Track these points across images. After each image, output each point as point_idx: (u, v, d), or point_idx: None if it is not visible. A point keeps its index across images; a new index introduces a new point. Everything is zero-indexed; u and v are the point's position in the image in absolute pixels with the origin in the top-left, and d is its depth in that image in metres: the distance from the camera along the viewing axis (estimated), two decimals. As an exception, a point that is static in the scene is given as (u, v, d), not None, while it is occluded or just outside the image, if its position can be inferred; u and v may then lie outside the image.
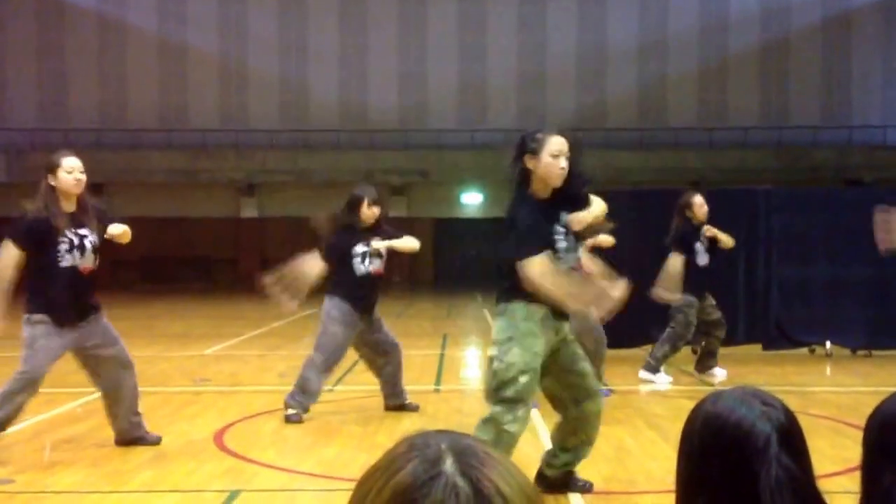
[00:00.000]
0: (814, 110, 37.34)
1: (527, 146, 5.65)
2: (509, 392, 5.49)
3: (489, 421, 5.56)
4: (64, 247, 6.89)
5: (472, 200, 37.06)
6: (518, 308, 5.53)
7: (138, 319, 20.92)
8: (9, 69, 37.63)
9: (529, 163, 5.64)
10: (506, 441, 5.52)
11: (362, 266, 8.62)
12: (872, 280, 13.20)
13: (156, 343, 15.37)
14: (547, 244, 5.56)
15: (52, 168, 6.89)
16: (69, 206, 6.98)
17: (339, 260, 8.62)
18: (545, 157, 5.61)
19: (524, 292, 5.50)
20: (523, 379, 5.50)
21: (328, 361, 8.55)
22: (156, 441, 7.43)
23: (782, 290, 13.20)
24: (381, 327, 8.90)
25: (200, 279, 36.12)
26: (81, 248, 6.97)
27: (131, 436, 7.39)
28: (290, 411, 8.44)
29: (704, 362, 11.27)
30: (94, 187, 36.21)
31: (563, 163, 5.65)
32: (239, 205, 37.41)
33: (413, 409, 8.99)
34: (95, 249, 7.09)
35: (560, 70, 37.80)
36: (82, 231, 6.98)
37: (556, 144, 5.64)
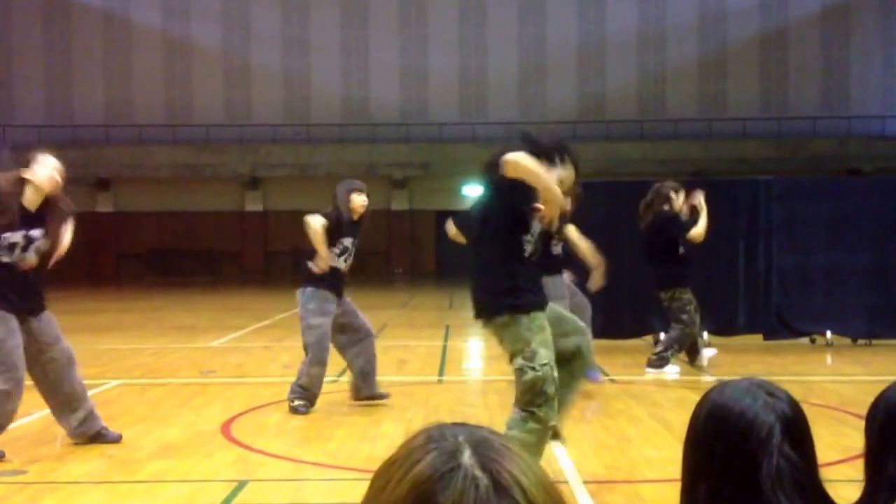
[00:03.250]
0: (813, 100, 37.36)
1: (561, 155, 5.81)
2: (550, 389, 5.54)
3: (533, 421, 5.55)
4: (3, 244, 6.69)
5: (473, 193, 37.10)
6: (527, 320, 5.57)
7: (145, 312, 21.03)
8: (16, 67, 37.74)
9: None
10: (548, 434, 5.67)
11: (339, 260, 8.55)
12: (872, 269, 13.26)
13: (163, 335, 15.46)
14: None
15: (30, 162, 6.77)
16: (32, 204, 6.80)
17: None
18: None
19: (521, 303, 5.58)
20: (554, 373, 5.59)
21: (320, 354, 8.49)
22: (116, 439, 7.24)
23: (783, 279, 13.25)
24: (356, 313, 8.77)
25: (205, 272, 36.24)
26: (24, 248, 6.75)
27: (90, 432, 7.14)
28: (297, 402, 8.47)
29: (691, 352, 11.25)
30: (101, 182, 36.32)
31: None
32: (243, 198, 37.51)
33: (384, 397, 8.80)
34: (40, 250, 6.85)
35: (560, 62, 37.83)
36: (33, 232, 6.77)
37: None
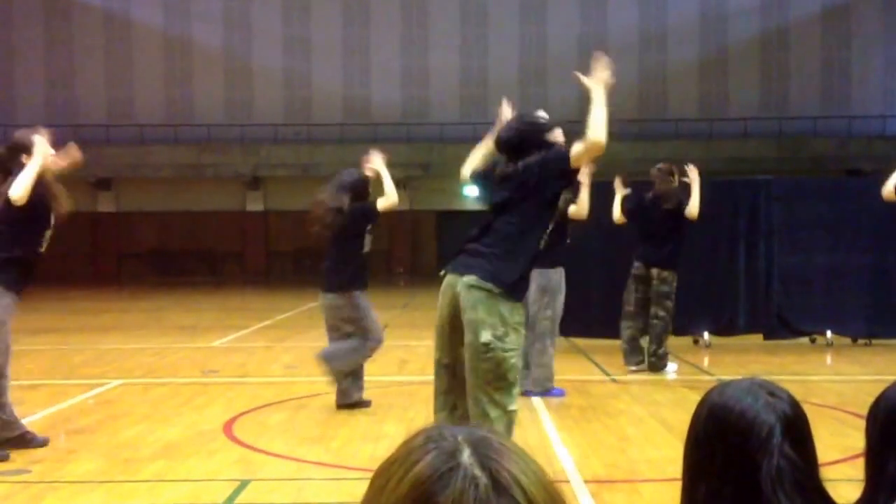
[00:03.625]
0: (814, 101, 37.35)
1: (547, 126, 5.83)
2: (511, 376, 5.49)
3: (496, 408, 5.48)
4: (50, 232, 6.89)
5: (474, 193, 37.12)
6: (510, 305, 5.48)
7: (147, 312, 21.05)
8: (17, 66, 37.74)
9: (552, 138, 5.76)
10: (514, 421, 5.59)
11: (367, 246, 8.66)
12: (873, 269, 13.27)
13: (165, 335, 15.49)
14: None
15: (29, 147, 6.87)
16: None
17: (354, 241, 8.56)
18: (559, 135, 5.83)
19: (517, 290, 5.56)
20: (520, 363, 5.60)
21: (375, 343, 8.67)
22: (43, 443, 7.09)
23: (783, 279, 13.26)
24: None
25: (207, 272, 36.25)
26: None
27: (13, 433, 6.97)
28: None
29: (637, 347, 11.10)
30: (102, 182, 36.23)
31: None
32: (244, 198, 37.50)
33: (367, 404, 8.84)
34: None
35: (561, 62, 37.78)
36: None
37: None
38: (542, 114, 5.99)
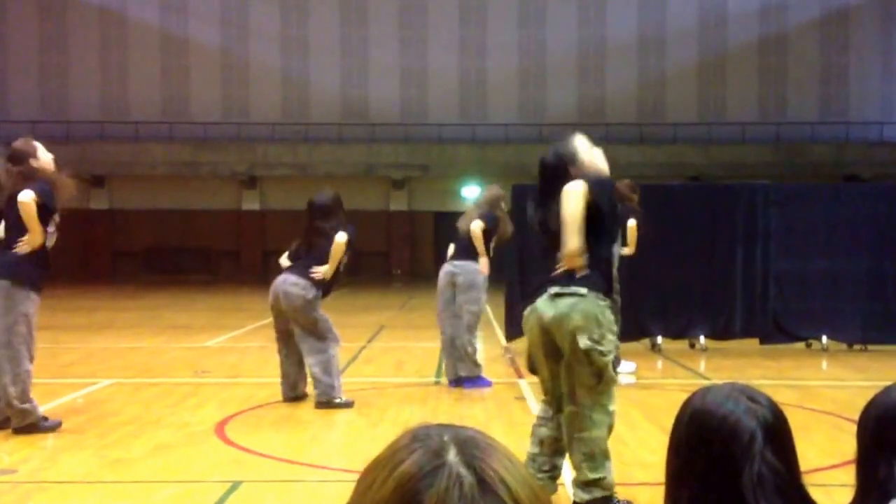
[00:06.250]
0: (812, 106, 37.40)
1: (569, 159, 5.76)
2: (608, 374, 5.49)
3: (600, 411, 5.48)
4: (51, 227, 7.04)
5: (472, 194, 37.10)
6: (600, 301, 5.48)
7: (142, 310, 20.99)
8: (11, 62, 37.68)
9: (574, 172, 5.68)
10: (614, 421, 5.62)
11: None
12: (869, 275, 13.25)
13: (159, 334, 15.44)
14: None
15: (34, 152, 7.08)
16: None
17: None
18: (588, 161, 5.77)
19: (603, 285, 5.53)
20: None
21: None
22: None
23: (779, 284, 13.23)
24: None
25: (202, 271, 36.18)
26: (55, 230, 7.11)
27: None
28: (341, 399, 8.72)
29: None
30: (96, 179, 36.04)
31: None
32: (240, 197, 37.46)
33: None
34: None
35: (560, 65, 37.85)
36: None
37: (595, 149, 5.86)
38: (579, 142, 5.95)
